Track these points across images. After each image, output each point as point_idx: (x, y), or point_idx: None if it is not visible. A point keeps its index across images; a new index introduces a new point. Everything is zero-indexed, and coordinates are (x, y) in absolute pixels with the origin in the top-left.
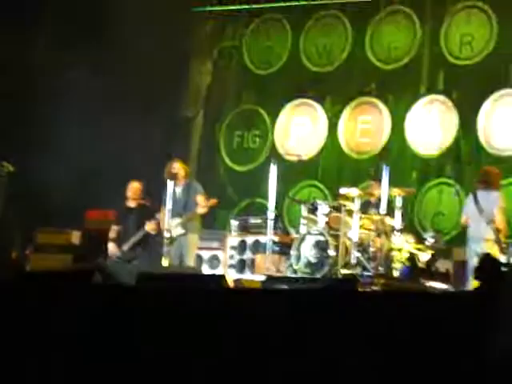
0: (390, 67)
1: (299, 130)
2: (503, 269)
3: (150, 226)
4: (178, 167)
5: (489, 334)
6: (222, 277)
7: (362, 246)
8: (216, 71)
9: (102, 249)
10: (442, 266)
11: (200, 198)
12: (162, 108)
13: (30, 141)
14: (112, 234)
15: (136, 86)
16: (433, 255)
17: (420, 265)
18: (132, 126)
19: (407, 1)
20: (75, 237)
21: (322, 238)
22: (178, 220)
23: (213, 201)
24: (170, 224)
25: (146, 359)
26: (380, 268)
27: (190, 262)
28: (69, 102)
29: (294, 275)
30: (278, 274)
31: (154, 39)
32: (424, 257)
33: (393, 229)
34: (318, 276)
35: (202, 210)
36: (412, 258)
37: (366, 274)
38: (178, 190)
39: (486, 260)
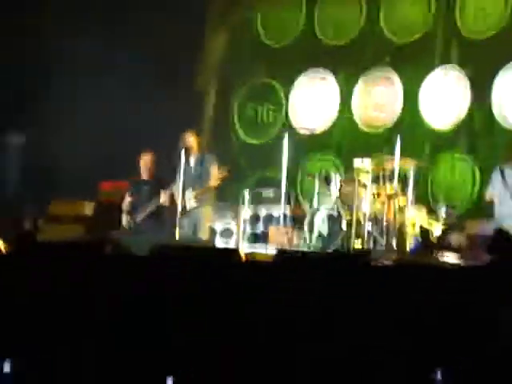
0: (404, 40)
1: (312, 102)
2: None
3: (163, 198)
4: (191, 139)
5: (504, 308)
6: (235, 250)
7: (375, 219)
8: (230, 43)
9: (115, 220)
10: (455, 239)
11: (214, 170)
12: (176, 80)
13: (44, 113)
14: (125, 206)
15: (149, 58)
16: (445, 229)
17: (432, 239)
18: (145, 99)
19: None
20: (88, 208)
21: (334, 212)
22: (191, 192)
23: (223, 173)
24: (184, 196)
25: (165, 333)
26: (392, 242)
27: (204, 234)
28: (82, 75)
29: (306, 249)
30: (291, 248)
31: (168, 11)
32: (437, 230)
33: (405, 202)
34: (331, 249)
35: (214, 182)
36: (425, 231)
37: (378, 247)
38: (192, 161)
39: (500, 235)
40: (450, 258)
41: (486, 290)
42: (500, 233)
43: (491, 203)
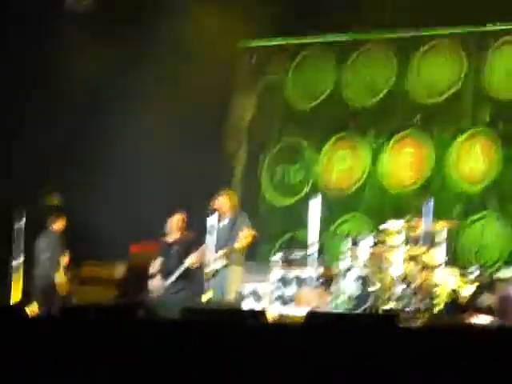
0: (434, 101)
1: (342, 164)
2: None
3: (191, 261)
4: (223, 200)
5: None
6: (262, 312)
7: (406, 281)
8: (260, 104)
9: (146, 283)
10: (486, 300)
11: (245, 231)
12: (206, 142)
13: (77, 176)
14: (154, 268)
15: (181, 120)
16: (476, 289)
17: (462, 300)
18: (176, 159)
19: (451, 35)
20: (119, 270)
21: (364, 273)
22: (220, 253)
23: (251, 233)
24: (212, 258)
25: None
26: (422, 303)
27: (232, 294)
28: (115, 138)
29: (336, 311)
30: (321, 310)
31: (201, 75)
32: (467, 291)
33: (437, 263)
34: (360, 311)
35: (241, 242)
36: (455, 293)
37: (407, 309)
38: (224, 222)
39: None
40: (482, 319)
41: None
42: None
43: None
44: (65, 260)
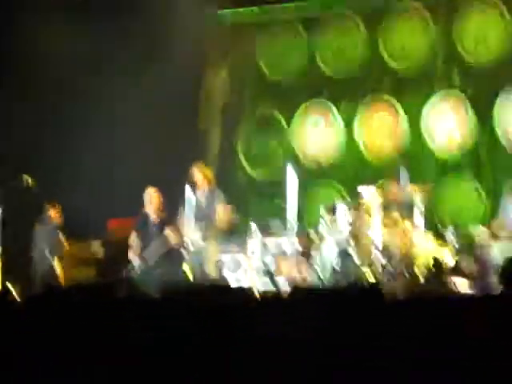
0: (405, 66)
1: (315, 132)
2: None
3: (171, 235)
4: (198, 174)
5: None
6: (249, 289)
7: (385, 249)
8: (231, 78)
9: (125, 258)
10: (464, 262)
11: (220, 208)
12: (180, 118)
13: (51, 152)
14: (132, 242)
15: (155, 96)
16: (454, 252)
17: (444, 264)
18: (148, 137)
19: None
20: (97, 247)
21: (344, 244)
22: (198, 229)
23: (234, 218)
24: (190, 232)
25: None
26: (404, 270)
27: (211, 268)
28: (86, 112)
29: (318, 281)
30: (302, 281)
31: (169, 50)
32: (445, 254)
33: (413, 228)
34: (345, 284)
35: (223, 225)
36: (435, 257)
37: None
38: (199, 196)
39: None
40: (460, 281)
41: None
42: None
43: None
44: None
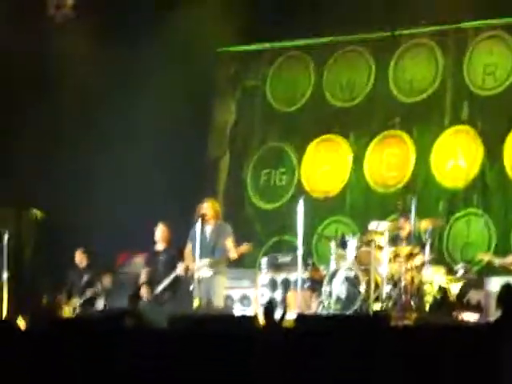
0: (414, 100)
1: (325, 165)
2: None
3: (180, 268)
4: (206, 207)
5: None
6: (254, 317)
7: (393, 281)
8: (240, 110)
9: (134, 292)
10: (474, 296)
11: (229, 241)
12: (189, 149)
13: (60, 186)
14: (143, 278)
15: (162, 127)
16: (463, 286)
17: (451, 297)
18: (159, 168)
19: (428, 33)
20: (107, 281)
21: (351, 274)
22: (205, 261)
23: (245, 247)
24: (199, 265)
25: None
26: (411, 302)
27: (219, 302)
28: (96, 144)
29: (325, 312)
30: (310, 312)
31: (178, 81)
32: (455, 289)
33: (423, 262)
34: (350, 312)
35: (233, 255)
36: (443, 290)
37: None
38: (208, 230)
39: (507, 289)
40: (470, 316)
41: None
42: (507, 288)
43: None
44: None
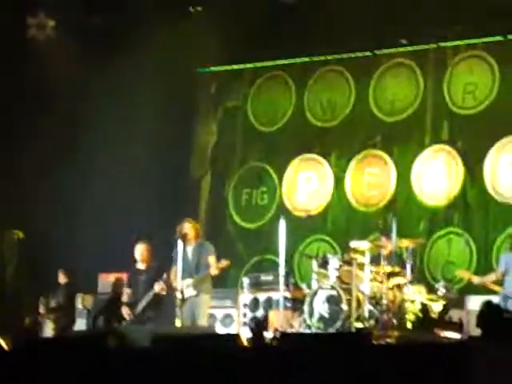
0: (394, 119)
1: (306, 185)
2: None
3: (158, 287)
4: (188, 227)
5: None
6: (237, 336)
7: (375, 299)
8: (221, 130)
9: (116, 312)
10: (455, 315)
11: (212, 259)
12: (171, 169)
13: (41, 206)
14: (125, 298)
15: (144, 147)
16: (445, 305)
17: (433, 315)
18: (140, 188)
19: (408, 53)
20: (88, 300)
21: (333, 293)
22: (189, 281)
23: (224, 263)
24: (182, 285)
25: None
26: (393, 320)
27: (203, 321)
28: (80, 167)
29: (307, 331)
30: (292, 330)
31: (159, 101)
32: (436, 307)
33: (404, 281)
34: (332, 330)
35: (214, 271)
36: (425, 308)
37: (379, 326)
38: (189, 250)
39: (487, 307)
40: (451, 334)
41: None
42: (488, 306)
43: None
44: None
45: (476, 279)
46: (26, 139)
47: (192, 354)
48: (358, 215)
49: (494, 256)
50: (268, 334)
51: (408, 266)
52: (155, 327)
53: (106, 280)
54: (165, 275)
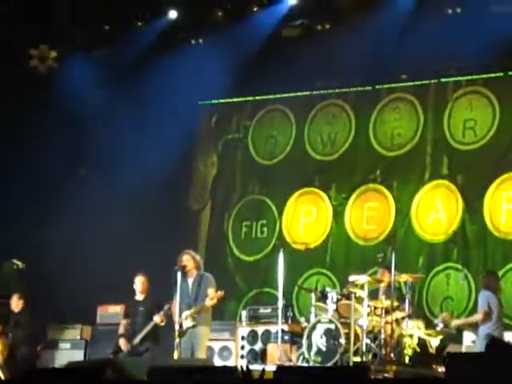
0: (394, 154)
1: (306, 218)
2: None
3: (158, 318)
4: (187, 259)
5: None
6: (234, 368)
7: (373, 333)
8: (221, 163)
9: (114, 343)
10: (453, 350)
11: (211, 291)
12: (170, 201)
13: (43, 239)
14: (121, 329)
15: (143, 179)
16: (443, 340)
17: (431, 350)
18: (140, 219)
19: (409, 88)
20: (86, 332)
21: (332, 326)
22: (187, 312)
23: (219, 293)
24: (181, 316)
25: None
26: (391, 354)
27: (202, 354)
28: (80, 202)
29: (305, 364)
30: (290, 364)
31: (161, 134)
32: (434, 342)
33: (403, 315)
34: (330, 364)
35: (210, 302)
36: (423, 343)
37: (377, 360)
38: (190, 281)
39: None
40: None
41: None
42: (493, 340)
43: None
44: None
45: (453, 323)
46: (24, 177)
47: None
48: (357, 249)
49: None
50: (268, 367)
51: (407, 301)
52: (152, 359)
53: (105, 312)
54: (166, 307)
